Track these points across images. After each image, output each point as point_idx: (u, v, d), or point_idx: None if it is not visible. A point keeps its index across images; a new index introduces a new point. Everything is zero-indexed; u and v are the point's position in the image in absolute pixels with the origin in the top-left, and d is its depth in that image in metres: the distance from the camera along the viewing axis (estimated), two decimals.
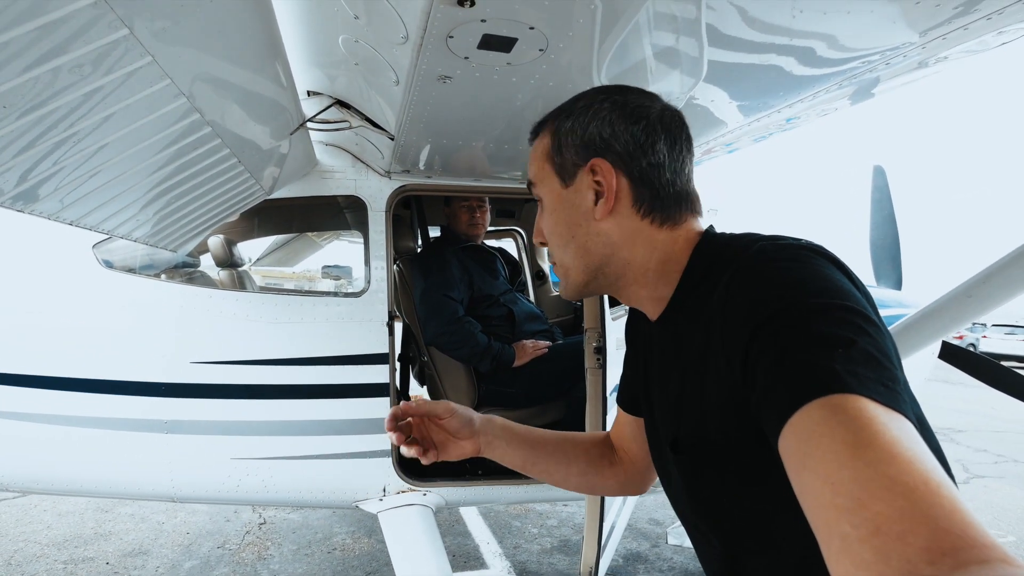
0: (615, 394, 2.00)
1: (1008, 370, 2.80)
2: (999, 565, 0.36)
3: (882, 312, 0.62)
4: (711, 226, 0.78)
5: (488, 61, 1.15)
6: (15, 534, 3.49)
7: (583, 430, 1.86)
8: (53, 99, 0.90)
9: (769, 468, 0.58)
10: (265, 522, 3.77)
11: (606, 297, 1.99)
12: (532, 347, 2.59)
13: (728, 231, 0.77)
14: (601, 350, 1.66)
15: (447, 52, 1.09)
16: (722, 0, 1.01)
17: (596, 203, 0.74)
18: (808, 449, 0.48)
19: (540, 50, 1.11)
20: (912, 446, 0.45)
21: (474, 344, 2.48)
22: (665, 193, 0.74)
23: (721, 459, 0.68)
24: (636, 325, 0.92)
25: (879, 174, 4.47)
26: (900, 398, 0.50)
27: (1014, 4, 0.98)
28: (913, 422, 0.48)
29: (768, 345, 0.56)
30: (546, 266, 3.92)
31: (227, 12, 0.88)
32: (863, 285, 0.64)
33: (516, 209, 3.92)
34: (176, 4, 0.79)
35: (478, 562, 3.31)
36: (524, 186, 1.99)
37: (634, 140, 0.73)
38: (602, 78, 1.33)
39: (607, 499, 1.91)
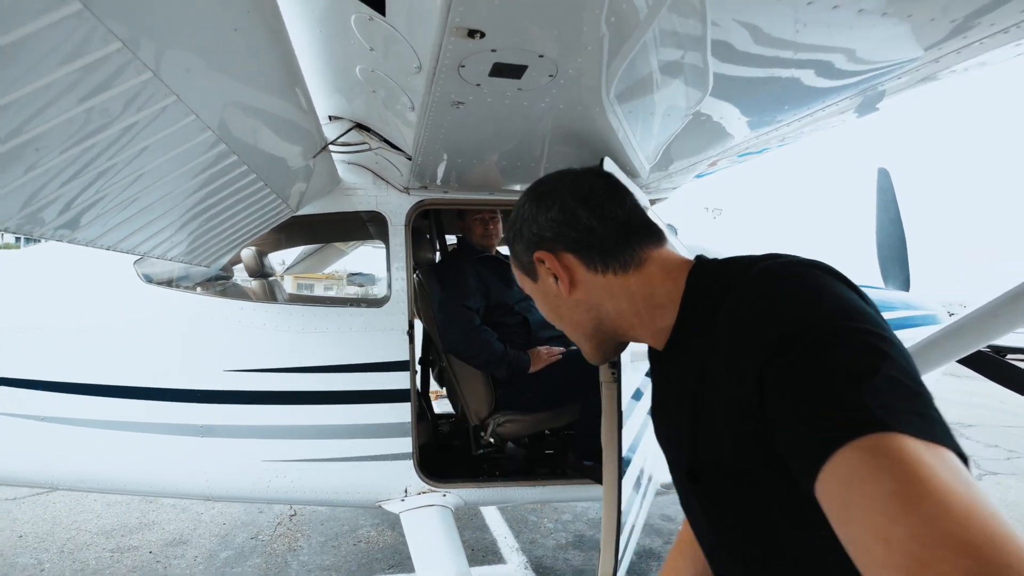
0: (628, 407, 1.96)
1: (1018, 369, 2.69)
2: None
3: (890, 314, 0.58)
4: (700, 255, 0.76)
5: (500, 87, 1.13)
6: (68, 522, 3.58)
7: (598, 434, 1.82)
8: (90, 136, 0.90)
9: (786, 489, 0.55)
10: (296, 514, 3.80)
11: None
12: (547, 353, 2.56)
13: (718, 256, 0.75)
14: (616, 364, 1.62)
15: (459, 80, 1.08)
16: (726, 17, 0.97)
17: (557, 284, 0.78)
18: (850, 498, 0.43)
19: (550, 76, 1.08)
20: (965, 491, 0.40)
21: (490, 352, 2.46)
22: (609, 245, 0.75)
23: (739, 483, 0.64)
24: (652, 365, 0.88)
25: (884, 176, 4.34)
26: (936, 426, 0.45)
27: (1010, 28, 0.94)
28: (953, 448, 0.44)
29: (787, 375, 0.52)
30: None
31: (245, 49, 0.87)
32: (871, 300, 0.59)
33: None
34: (196, 46, 0.79)
35: (496, 556, 3.28)
36: None
37: (555, 223, 0.77)
38: (611, 96, 1.30)
39: (625, 502, 1.86)
